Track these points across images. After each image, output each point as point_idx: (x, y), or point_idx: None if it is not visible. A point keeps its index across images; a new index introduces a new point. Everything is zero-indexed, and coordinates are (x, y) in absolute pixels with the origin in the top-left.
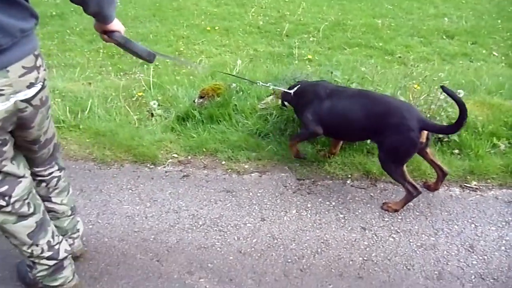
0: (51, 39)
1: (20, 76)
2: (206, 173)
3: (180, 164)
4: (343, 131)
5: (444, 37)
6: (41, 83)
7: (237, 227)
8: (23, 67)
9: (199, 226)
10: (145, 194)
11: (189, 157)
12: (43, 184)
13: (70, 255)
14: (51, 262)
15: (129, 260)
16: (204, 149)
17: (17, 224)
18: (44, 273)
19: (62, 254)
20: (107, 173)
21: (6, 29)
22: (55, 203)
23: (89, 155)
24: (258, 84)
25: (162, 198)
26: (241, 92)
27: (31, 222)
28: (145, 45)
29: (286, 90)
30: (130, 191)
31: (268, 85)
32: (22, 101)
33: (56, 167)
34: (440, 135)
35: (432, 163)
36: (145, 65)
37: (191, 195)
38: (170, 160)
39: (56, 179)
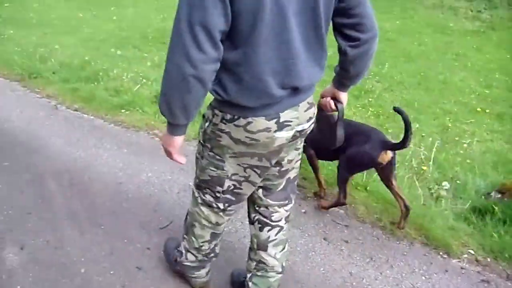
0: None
1: (304, 111)
2: (510, 286)
3: (477, 265)
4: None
5: None
6: (314, 118)
7: None
8: (308, 103)
9: None
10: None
11: (488, 259)
12: (266, 229)
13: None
14: (200, 257)
15: None
16: (507, 255)
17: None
18: (189, 264)
19: (211, 255)
20: (397, 247)
21: (311, 79)
22: (269, 254)
23: (377, 222)
24: None
25: None
26: None
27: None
28: (409, 111)
29: None
30: (423, 277)
31: None
32: (297, 131)
33: (285, 214)
34: None
35: (397, 196)
36: (422, 135)
37: None
38: (465, 256)
39: (278, 228)
